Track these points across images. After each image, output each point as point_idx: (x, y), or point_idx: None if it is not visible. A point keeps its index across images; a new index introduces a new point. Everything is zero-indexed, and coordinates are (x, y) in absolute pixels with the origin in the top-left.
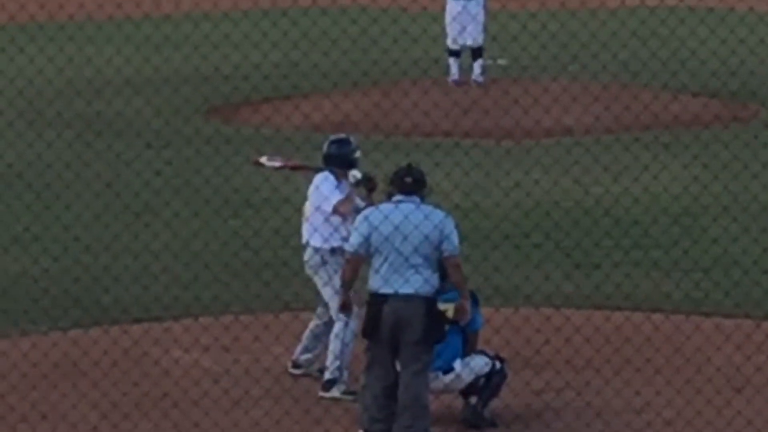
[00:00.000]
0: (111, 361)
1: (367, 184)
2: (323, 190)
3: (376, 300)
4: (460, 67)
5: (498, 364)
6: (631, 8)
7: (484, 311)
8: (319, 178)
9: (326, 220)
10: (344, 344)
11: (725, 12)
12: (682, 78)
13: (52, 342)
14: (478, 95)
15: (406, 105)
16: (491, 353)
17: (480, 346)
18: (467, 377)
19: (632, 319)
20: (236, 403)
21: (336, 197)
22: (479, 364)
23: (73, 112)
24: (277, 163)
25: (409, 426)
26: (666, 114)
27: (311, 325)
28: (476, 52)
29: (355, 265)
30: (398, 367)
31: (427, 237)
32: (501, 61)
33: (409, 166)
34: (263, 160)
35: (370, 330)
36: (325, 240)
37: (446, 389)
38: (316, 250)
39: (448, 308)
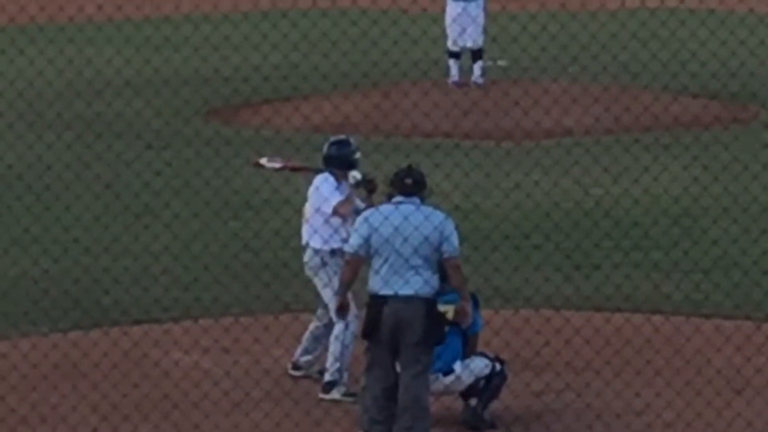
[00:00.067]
0: (111, 363)
1: (367, 185)
2: (323, 192)
3: (376, 301)
4: (460, 69)
5: (498, 366)
6: (631, 10)
7: (484, 313)
8: (319, 179)
9: (326, 221)
10: (344, 346)
11: (725, 14)
12: (682, 79)
13: (52, 343)
14: (478, 96)
15: (406, 106)
16: (491, 355)
17: (480, 347)
18: (467, 379)
19: (632, 321)
20: (236, 405)
21: (336, 198)
22: (479, 365)
23: (73, 113)
24: (277, 165)
25: (409, 428)
26: (666, 115)
27: (311, 326)
28: (476, 54)
29: (354, 266)
30: (398, 368)
31: (427, 238)
32: (501, 63)
33: (409, 167)
34: (263, 161)
35: (370, 331)
36: (325, 241)
37: (446, 391)
38: (316, 251)
39: (448, 310)
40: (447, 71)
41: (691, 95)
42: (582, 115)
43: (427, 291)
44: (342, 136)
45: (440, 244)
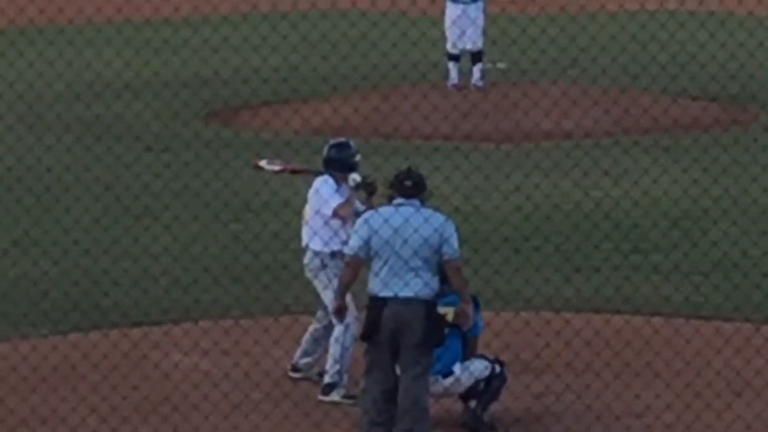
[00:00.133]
0: (110, 365)
1: (367, 187)
2: (323, 194)
3: (376, 303)
4: (460, 72)
5: (498, 368)
6: (631, 12)
7: (484, 315)
8: (318, 181)
9: (326, 223)
10: (344, 348)
11: (725, 16)
12: (681, 82)
13: (52, 345)
14: (478, 99)
15: (406, 109)
16: (491, 357)
17: (480, 349)
18: (467, 381)
19: (632, 323)
20: (236, 407)
21: (336, 201)
22: (479, 367)
23: (73, 115)
24: (276, 167)
25: (409, 430)
26: (665, 117)
27: (311, 328)
28: (476, 56)
29: (354, 268)
30: (398, 370)
31: (426, 240)
32: (500, 65)
33: (409, 169)
34: (263, 163)
35: (370, 333)
36: (325, 243)
37: (446, 393)
38: (316, 253)
39: (447, 312)
40: (446, 74)
41: (690, 97)
42: (581, 118)
43: (426, 293)
44: (342, 139)
45: (440, 246)
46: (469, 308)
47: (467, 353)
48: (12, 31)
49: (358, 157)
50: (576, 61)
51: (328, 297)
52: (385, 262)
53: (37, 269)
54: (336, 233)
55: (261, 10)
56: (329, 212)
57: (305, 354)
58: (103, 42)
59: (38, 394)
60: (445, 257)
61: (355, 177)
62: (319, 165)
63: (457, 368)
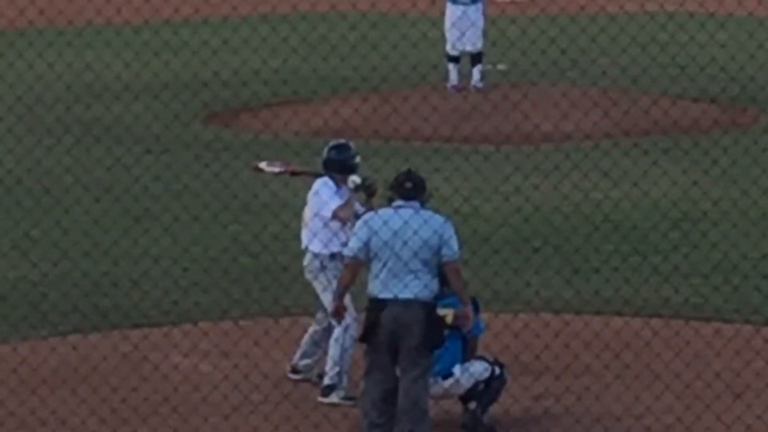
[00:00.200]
0: (110, 367)
1: (367, 189)
2: (322, 196)
3: (376, 305)
4: (460, 73)
5: (497, 370)
6: (631, 14)
7: (484, 316)
8: (318, 183)
9: (325, 225)
10: (344, 349)
11: (724, 17)
12: (681, 83)
13: (51, 347)
14: (478, 100)
15: (406, 110)
16: (490, 358)
17: (479, 351)
18: (466, 382)
19: (631, 325)
20: (235, 409)
21: (335, 202)
22: (479, 369)
23: (73, 117)
24: (276, 169)
25: (408, 431)
26: (665, 119)
27: (310, 330)
28: (475, 58)
29: (353, 269)
30: (398, 372)
31: (426, 242)
32: (500, 67)
33: (409, 171)
34: (263, 165)
35: (369, 335)
36: (325, 245)
37: (445, 394)
38: (316, 255)
39: (447, 313)
40: (446, 75)
41: (690, 99)
42: (581, 119)
43: (426, 295)
44: (341, 140)
45: (440, 247)
46: (469, 310)
47: (467, 355)
48: (11, 33)
49: (357, 159)
50: (576, 63)
51: (327, 298)
52: (385, 264)
53: (37, 271)
54: (335, 235)
55: (261, 11)
56: (329, 214)
57: (305, 355)
58: (102, 43)
59: (38, 396)
60: (445, 259)
61: (354, 179)
62: (318, 167)
63: (456, 370)
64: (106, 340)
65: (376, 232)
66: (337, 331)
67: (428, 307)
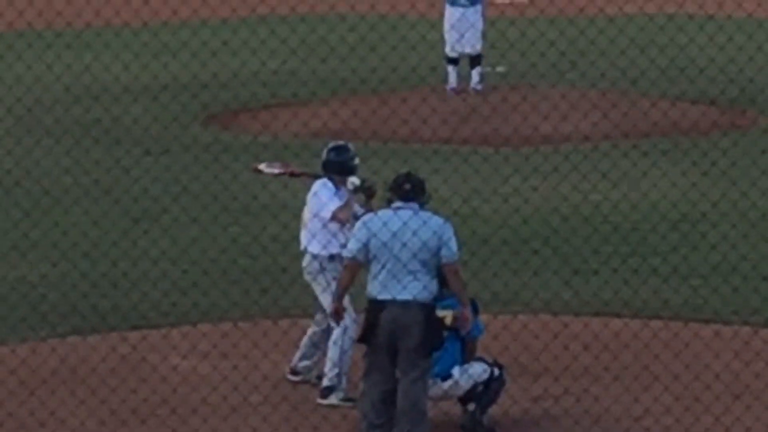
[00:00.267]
0: (109, 368)
1: (366, 190)
2: (322, 197)
3: (375, 306)
4: (459, 75)
5: (496, 371)
6: (630, 16)
7: (483, 317)
8: (317, 184)
9: (324, 226)
10: (343, 351)
11: (724, 19)
12: (680, 85)
13: (51, 348)
14: (477, 102)
15: (405, 112)
16: (490, 360)
17: (478, 352)
18: (466, 384)
19: (631, 326)
20: (234, 410)
21: (334, 204)
22: (478, 370)
23: (71, 118)
24: (275, 170)
25: None
26: (664, 121)
27: (309, 331)
28: (475, 60)
29: (352, 271)
30: (397, 373)
31: (425, 243)
32: (499, 69)
33: (408, 172)
34: (262, 166)
35: (368, 336)
36: (324, 247)
37: (445, 396)
38: (315, 256)
39: (446, 315)
40: (445, 77)
41: (689, 101)
42: (580, 121)
43: (425, 296)
44: (341, 142)
45: (439, 249)
46: (468, 311)
47: (466, 356)
48: (10, 35)
49: (356, 161)
50: (575, 65)
51: (326, 300)
52: (384, 266)
53: (36, 272)
54: (335, 236)
55: (260, 13)
56: (328, 215)
57: (304, 357)
58: (101, 45)
59: (37, 397)
60: (444, 260)
61: (353, 180)
62: (318, 168)
63: (456, 371)
64: (105, 342)
65: (375, 234)
66: (336, 333)
67: (427, 309)
